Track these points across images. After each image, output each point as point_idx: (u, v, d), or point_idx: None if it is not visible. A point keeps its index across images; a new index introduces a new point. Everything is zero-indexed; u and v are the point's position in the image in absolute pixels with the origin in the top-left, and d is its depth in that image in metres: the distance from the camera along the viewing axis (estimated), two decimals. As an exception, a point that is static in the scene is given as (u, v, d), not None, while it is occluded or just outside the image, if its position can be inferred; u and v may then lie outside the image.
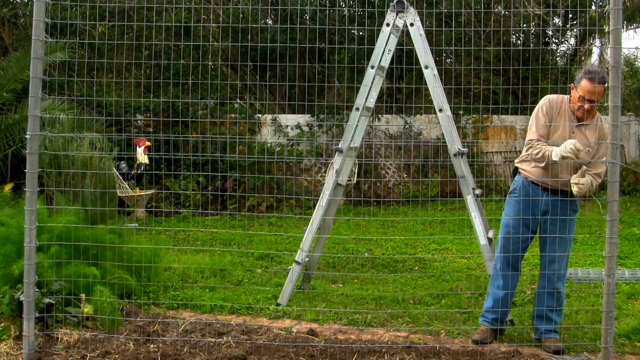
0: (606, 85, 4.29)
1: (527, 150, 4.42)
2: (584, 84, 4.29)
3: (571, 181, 4.23)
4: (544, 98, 4.49)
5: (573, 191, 4.23)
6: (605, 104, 3.72)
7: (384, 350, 4.20)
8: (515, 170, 4.63)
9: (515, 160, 4.66)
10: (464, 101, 10.61)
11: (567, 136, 4.34)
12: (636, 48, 16.38)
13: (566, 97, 4.47)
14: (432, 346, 4.30)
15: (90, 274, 4.70)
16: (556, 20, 14.84)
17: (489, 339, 4.51)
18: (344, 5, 12.22)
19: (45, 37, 3.98)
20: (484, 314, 4.65)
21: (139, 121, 11.25)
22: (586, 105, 4.30)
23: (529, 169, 4.48)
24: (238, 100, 12.62)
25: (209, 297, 5.52)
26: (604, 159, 4.25)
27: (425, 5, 11.08)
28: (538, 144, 4.36)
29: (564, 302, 4.63)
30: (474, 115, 12.25)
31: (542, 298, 4.47)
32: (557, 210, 4.39)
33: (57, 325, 4.40)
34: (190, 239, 8.17)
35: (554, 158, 4.20)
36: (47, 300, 4.33)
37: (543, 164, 4.35)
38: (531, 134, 4.43)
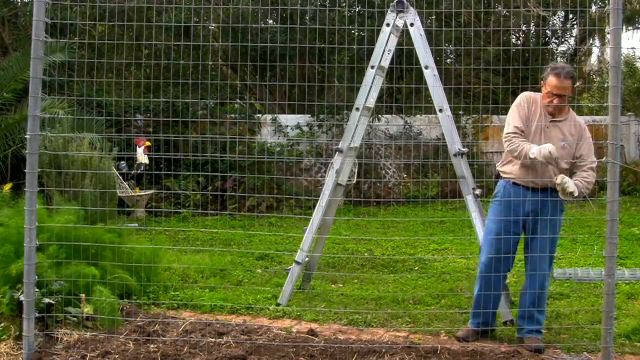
0: (574, 79, 4.39)
1: (506, 146, 4.42)
2: (551, 79, 4.35)
3: (556, 183, 4.23)
4: (521, 94, 4.52)
5: (561, 195, 4.25)
6: (605, 104, 3.71)
7: (383, 350, 4.20)
8: (498, 174, 4.63)
9: (497, 165, 4.67)
10: (464, 101, 10.60)
11: (541, 132, 4.36)
12: (633, 48, 16.37)
13: (540, 94, 4.50)
14: (432, 346, 4.30)
15: (90, 274, 4.69)
16: (558, 17, 14.83)
17: (472, 337, 4.54)
18: (344, 5, 12.21)
19: (46, 37, 3.97)
20: (470, 318, 4.68)
21: (139, 121, 11.25)
22: (555, 100, 4.35)
23: (510, 170, 4.48)
24: (238, 100, 12.62)
25: (209, 297, 5.52)
26: (593, 157, 4.33)
27: (425, 5, 11.07)
28: (515, 139, 4.37)
29: (547, 302, 4.66)
30: (474, 115, 12.24)
31: (527, 298, 4.47)
32: (544, 209, 4.39)
33: (57, 325, 4.39)
34: (190, 239, 8.17)
35: (531, 156, 4.24)
36: (47, 300, 4.33)
37: (522, 161, 4.35)
38: (508, 127, 4.44)
